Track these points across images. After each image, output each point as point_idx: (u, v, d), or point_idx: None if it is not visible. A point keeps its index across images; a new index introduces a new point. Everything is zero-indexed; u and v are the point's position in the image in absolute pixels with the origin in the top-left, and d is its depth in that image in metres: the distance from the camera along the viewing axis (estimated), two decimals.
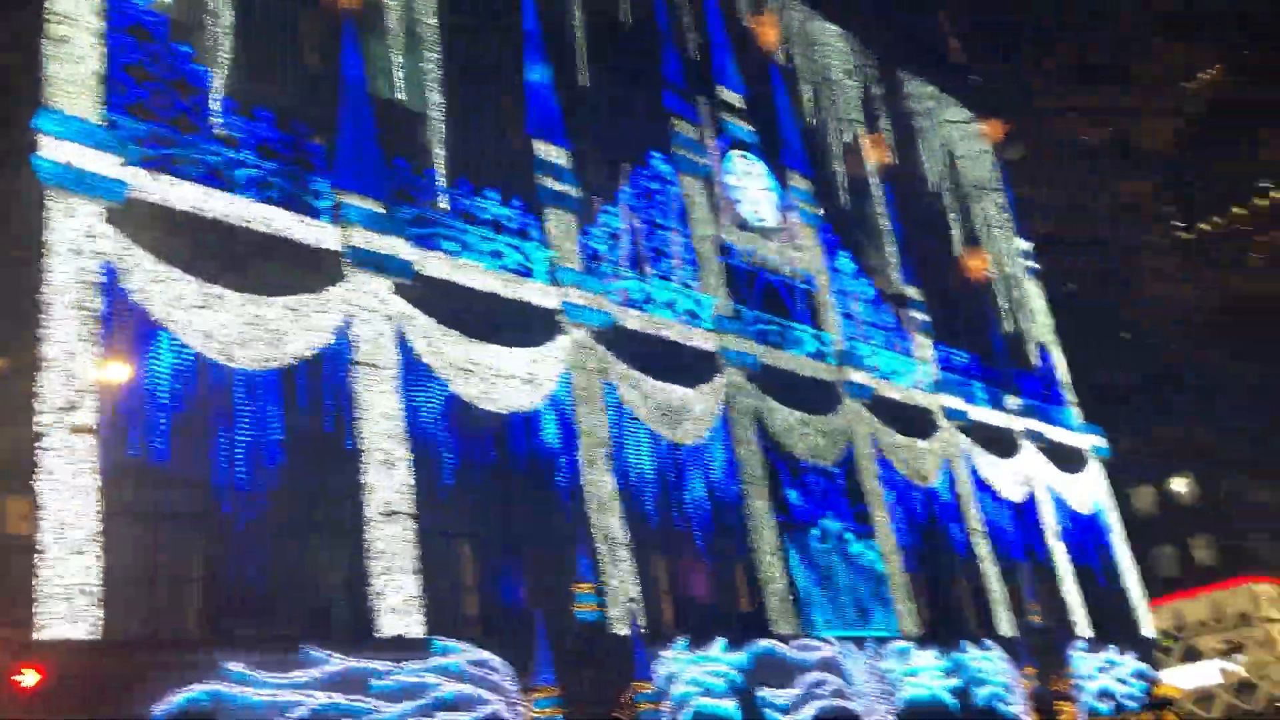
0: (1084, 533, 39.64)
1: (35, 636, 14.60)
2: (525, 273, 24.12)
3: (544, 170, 25.72)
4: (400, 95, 24.94)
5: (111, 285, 17.19)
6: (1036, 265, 46.60)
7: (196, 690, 15.63)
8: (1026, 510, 36.88)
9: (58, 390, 15.86)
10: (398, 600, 18.71)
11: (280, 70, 22.45)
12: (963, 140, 46.29)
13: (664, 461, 25.23)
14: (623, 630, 21.69)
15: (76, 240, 16.87)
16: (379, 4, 24.43)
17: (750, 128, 33.63)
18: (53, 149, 17.07)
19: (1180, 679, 52.18)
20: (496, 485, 21.55)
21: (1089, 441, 42.86)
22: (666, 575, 25.03)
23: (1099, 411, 47.92)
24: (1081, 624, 36.90)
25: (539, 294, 23.99)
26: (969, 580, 33.74)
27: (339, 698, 16.94)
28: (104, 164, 17.54)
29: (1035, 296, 46.10)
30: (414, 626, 18.69)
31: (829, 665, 25.75)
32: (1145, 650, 39.57)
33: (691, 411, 26.11)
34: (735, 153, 32.63)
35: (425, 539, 19.98)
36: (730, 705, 22.93)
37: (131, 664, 15.45)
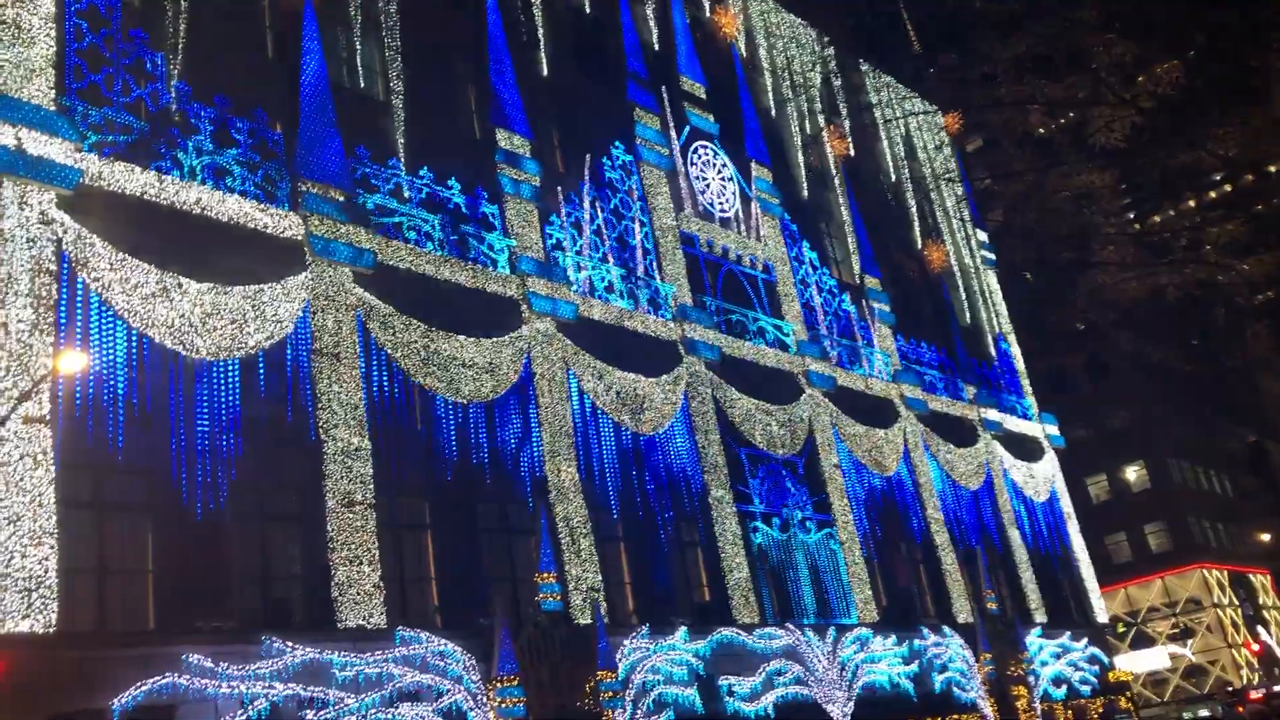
0: (1040, 520, 40.24)
1: None
2: (487, 262, 24.05)
3: (506, 160, 25.64)
4: (361, 83, 24.78)
5: (67, 273, 16.96)
6: (994, 256, 47.15)
7: (155, 683, 15.50)
8: (984, 498, 37.34)
9: (12, 380, 15.63)
10: (359, 591, 18.65)
11: (239, 56, 22.17)
12: (922, 132, 46.74)
13: (626, 451, 25.29)
14: (585, 619, 21.74)
15: (30, 227, 16.61)
16: None
17: (712, 118, 33.73)
18: (3, 134, 16.77)
19: (1133, 664, 53.06)
20: (458, 475, 21.49)
21: (1045, 430, 43.49)
22: (628, 564, 25.09)
23: (1054, 401, 48.60)
24: (1037, 610, 37.45)
25: (501, 283, 23.94)
26: (927, 567, 34.17)
27: (300, 689, 16.86)
28: (58, 150, 17.27)
29: (993, 287, 46.63)
30: (375, 617, 18.64)
31: (789, 653, 25.96)
32: (1099, 635, 40.24)
33: (653, 401, 26.17)
34: (697, 143, 32.70)
35: (386, 529, 19.95)
36: (692, 693, 23.07)
37: (89, 657, 15.27)
